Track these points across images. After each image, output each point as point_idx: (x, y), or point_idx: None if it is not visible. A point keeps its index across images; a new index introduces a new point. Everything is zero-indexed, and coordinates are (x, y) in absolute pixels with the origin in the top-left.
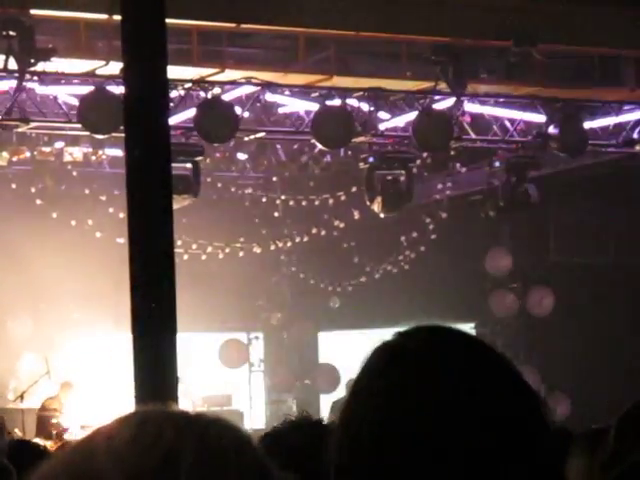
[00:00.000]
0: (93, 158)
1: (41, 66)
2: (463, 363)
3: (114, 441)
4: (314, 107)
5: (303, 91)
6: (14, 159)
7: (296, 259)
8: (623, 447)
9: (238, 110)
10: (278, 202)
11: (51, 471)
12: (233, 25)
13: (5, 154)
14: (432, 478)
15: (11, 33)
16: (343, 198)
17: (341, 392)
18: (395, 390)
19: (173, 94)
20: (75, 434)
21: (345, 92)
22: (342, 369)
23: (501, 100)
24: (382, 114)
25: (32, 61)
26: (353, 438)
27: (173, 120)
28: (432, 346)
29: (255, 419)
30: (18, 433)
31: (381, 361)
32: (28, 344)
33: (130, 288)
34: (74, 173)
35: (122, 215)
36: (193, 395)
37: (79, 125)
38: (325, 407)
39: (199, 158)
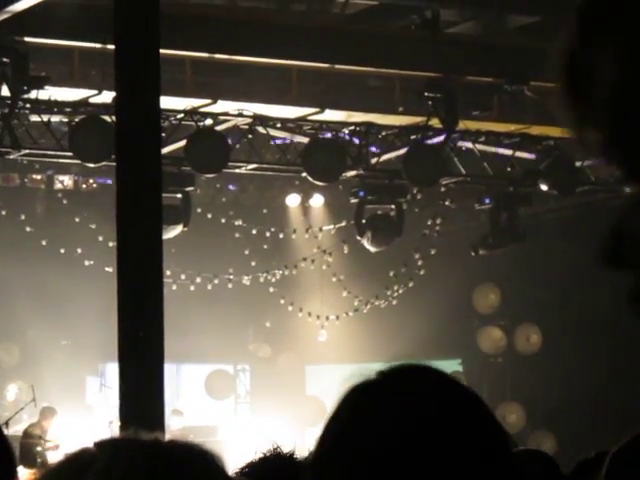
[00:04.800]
0: (84, 186)
1: (34, 94)
2: (439, 404)
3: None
4: (306, 141)
5: (295, 124)
6: (4, 185)
7: (285, 291)
8: None
9: (230, 141)
10: (268, 234)
11: None
12: (226, 57)
13: None
14: None
15: (5, 60)
16: (333, 232)
17: None
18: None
19: (165, 124)
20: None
21: (337, 126)
22: (329, 403)
23: (492, 137)
24: (373, 148)
25: (25, 88)
26: (327, 473)
27: (164, 150)
28: (409, 386)
29: (240, 451)
30: None
31: (358, 401)
32: (15, 372)
33: (118, 317)
34: (64, 201)
35: (112, 244)
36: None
37: (70, 153)
38: (311, 440)
39: (190, 188)
